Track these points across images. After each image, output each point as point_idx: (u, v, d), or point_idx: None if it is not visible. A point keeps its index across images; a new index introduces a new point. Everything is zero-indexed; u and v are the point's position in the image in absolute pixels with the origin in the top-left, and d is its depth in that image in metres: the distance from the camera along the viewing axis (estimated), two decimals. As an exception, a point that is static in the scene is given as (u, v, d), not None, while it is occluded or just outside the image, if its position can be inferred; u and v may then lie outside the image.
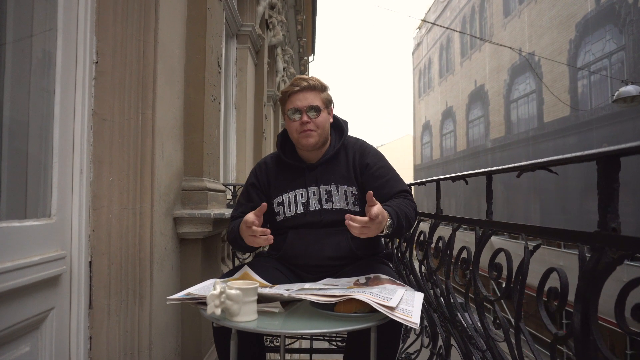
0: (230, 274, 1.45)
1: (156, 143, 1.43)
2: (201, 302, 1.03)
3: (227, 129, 3.65)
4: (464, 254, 1.16)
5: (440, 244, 1.37)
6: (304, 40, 10.78)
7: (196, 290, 1.15)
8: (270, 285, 1.41)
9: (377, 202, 1.15)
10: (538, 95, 13.48)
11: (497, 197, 15.59)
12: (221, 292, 0.92)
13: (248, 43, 3.85)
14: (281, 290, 1.22)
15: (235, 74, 3.76)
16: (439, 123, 23.46)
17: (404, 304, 1.03)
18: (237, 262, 2.40)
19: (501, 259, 0.93)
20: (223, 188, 2.18)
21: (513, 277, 0.85)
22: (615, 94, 6.57)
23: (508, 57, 15.32)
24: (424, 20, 17.13)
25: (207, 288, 1.19)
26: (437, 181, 1.44)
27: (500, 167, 0.96)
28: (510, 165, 0.90)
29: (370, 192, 1.14)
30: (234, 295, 0.92)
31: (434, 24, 17.98)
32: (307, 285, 1.26)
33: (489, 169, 1.01)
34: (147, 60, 1.36)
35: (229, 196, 2.64)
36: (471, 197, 17.07)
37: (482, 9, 17.97)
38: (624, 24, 10.07)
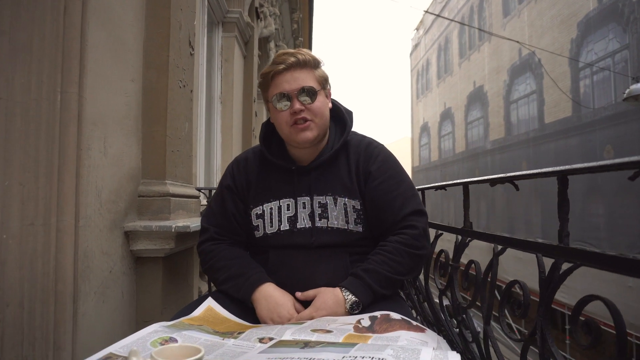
0: (190, 308, 1.08)
1: (86, 134, 1.06)
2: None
3: (211, 125, 3.27)
4: (513, 288, 0.80)
5: (471, 268, 1.01)
6: (300, 39, 10.47)
7: (123, 348, 0.78)
8: (244, 323, 1.04)
9: (307, 294, 1.05)
10: (539, 95, 13.22)
11: (498, 199, 15.33)
12: (137, 372, 0.55)
13: (235, 32, 3.49)
14: (251, 342, 0.86)
15: (220, 65, 3.39)
16: (437, 125, 23.18)
17: (435, 377, 0.67)
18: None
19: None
20: (195, 193, 1.81)
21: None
22: (626, 92, 6.25)
23: (508, 57, 15.07)
24: (426, 12, 16.70)
25: (145, 341, 0.82)
26: (465, 184, 1.08)
27: (587, 165, 0.60)
28: (617, 161, 0.54)
29: (298, 293, 1.06)
30: (158, 377, 0.55)
31: (438, 15, 17.64)
32: (288, 333, 0.89)
33: (565, 167, 0.64)
34: (70, 20, 0.99)
35: (205, 201, 2.26)
36: (470, 199, 16.72)
37: (480, 9, 17.72)
38: (627, 23, 9.81)
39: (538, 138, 13.12)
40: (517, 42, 11.34)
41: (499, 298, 0.81)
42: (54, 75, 0.95)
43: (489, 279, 0.93)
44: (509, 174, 0.84)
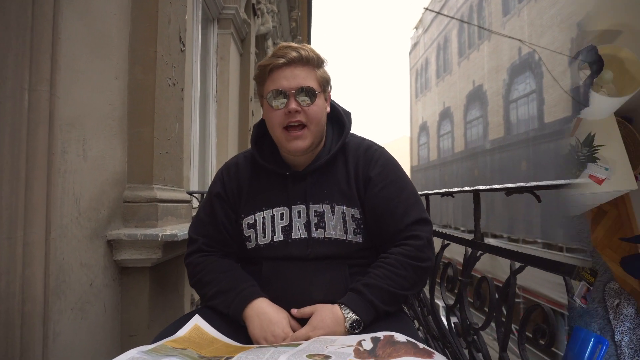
0: (175, 327, 0.99)
1: (61, 136, 0.97)
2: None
3: (205, 125, 3.18)
4: (531, 311, 0.71)
5: (483, 284, 0.92)
6: (298, 38, 10.39)
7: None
8: (233, 344, 0.95)
9: (303, 311, 0.97)
10: (538, 95, 13.15)
11: (497, 199, 15.26)
12: None
13: (231, 28, 3.39)
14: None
15: (216, 63, 3.30)
16: (436, 124, 23.11)
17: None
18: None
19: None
20: (185, 197, 1.71)
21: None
22: (629, 92, 6.17)
23: (507, 56, 15.00)
24: (427, 9, 16.57)
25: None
26: (476, 192, 0.98)
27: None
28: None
29: (294, 310, 0.97)
30: None
31: (438, 12, 17.51)
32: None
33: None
34: (41, 9, 0.89)
35: (197, 205, 2.17)
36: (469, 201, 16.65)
37: (480, 9, 17.64)
38: (628, 22, 9.75)
39: (538, 138, 13.06)
40: (519, 40, 11.26)
41: (516, 331, 0.72)
42: (20, 71, 0.86)
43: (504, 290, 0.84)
44: (529, 184, 0.74)
